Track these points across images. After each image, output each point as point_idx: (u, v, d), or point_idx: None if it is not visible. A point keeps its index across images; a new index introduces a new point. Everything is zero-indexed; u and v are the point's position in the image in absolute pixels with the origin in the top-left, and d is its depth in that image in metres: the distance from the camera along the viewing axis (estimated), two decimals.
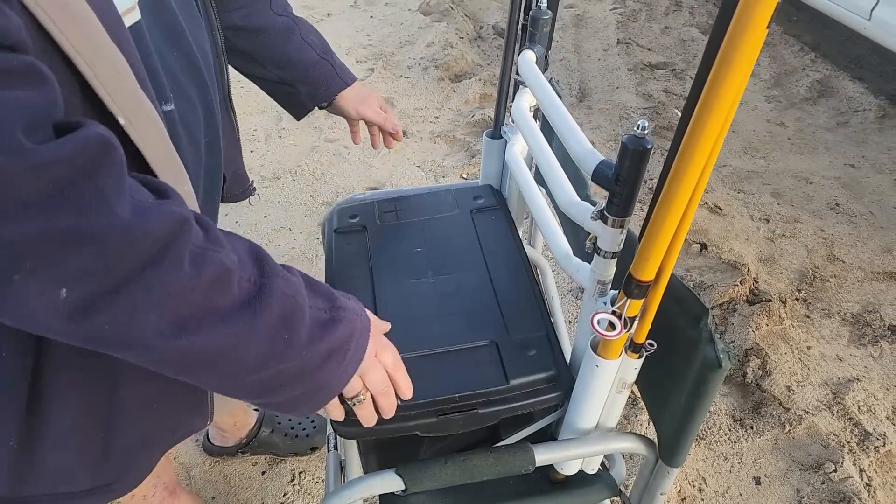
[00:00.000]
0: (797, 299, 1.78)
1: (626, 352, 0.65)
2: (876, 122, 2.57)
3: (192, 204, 0.54)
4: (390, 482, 0.70)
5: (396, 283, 0.86)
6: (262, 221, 2.04)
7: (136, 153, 0.47)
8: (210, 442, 1.39)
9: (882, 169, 2.32)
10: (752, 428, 1.47)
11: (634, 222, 0.60)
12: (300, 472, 1.38)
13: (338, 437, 0.91)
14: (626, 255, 0.62)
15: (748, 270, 1.81)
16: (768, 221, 2.07)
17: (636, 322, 0.61)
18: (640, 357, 0.65)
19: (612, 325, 0.60)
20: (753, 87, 2.85)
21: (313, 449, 1.39)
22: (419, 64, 2.95)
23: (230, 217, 2.04)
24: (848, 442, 1.42)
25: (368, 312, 0.61)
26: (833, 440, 1.42)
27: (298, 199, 2.17)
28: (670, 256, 0.55)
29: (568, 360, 0.78)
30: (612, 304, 0.61)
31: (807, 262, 1.90)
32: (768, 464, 1.40)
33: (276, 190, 2.20)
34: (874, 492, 1.33)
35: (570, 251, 0.78)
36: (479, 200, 1.01)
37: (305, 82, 0.91)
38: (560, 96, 0.89)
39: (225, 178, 0.79)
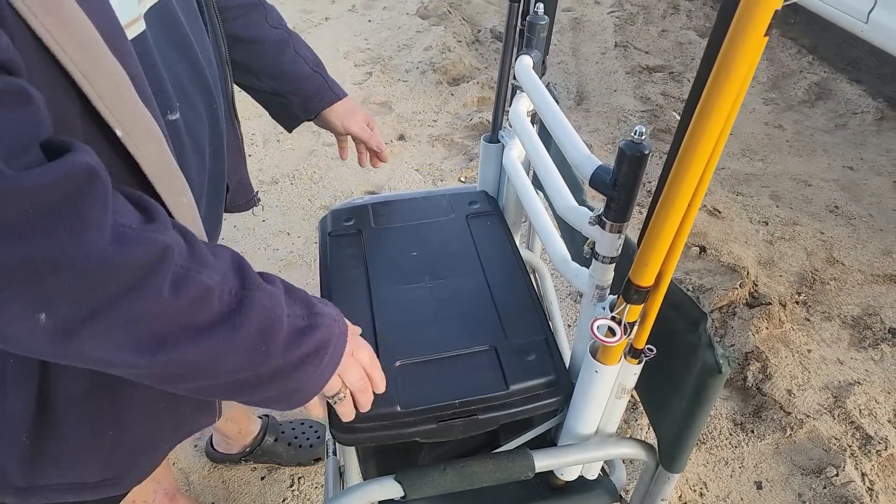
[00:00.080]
0: (797, 302, 1.78)
1: (625, 357, 0.64)
2: (874, 125, 2.58)
3: (192, 215, 0.55)
4: (389, 489, 0.70)
5: (393, 287, 0.85)
6: (261, 226, 2.04)
7: (134, 165, 0.47)
8: (214, 448, 1.39)
9: (881, 171, 2.32)
10: (752, 432, 1.46)
11: (634, 226, 0.60)
12: (299, 478, 1.38)
13: (337, 443, 0.91)
14: (625, 259, 0.62)
15: (748, 273, 1.81)
16: (767, 224, 2.07)
17: (635, 327, 0.61)
18: (639, 362, 0.65)
19: (611, 331, 0.60)
20: (751, 89, 2.85)
21: (317, 460, 1.39)
22: (417, 68, 2.96)
23: (229, 221, 2.04)
24: (850, 446, 1.42)
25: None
26: (834, 444, 1.42)
27: (297, 204, 2.17)
28: (670, 262, 0.55)
29: (567, 365, 0.78)
30: (611, 310, 0.61)
31: (806, 264, 1.90)
32: (769, 468, 1.40)
33: (275, 194, 2.20)
34: (876, 496, 1.33)
35: (568, 256, 0.77)
36: (474, 206, 1.01)
37: (298, 94, 0.92)
38: (558, 100, 0.89)
39: (228, 188, 0.79)
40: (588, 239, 0.65)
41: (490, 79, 2.82)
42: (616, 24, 3.43)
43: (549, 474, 0.82)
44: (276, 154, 2.40)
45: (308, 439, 1.39)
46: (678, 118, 0.49)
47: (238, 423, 1.31)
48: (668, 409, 0.71)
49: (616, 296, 0.61)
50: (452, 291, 0.85)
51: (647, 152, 0.54)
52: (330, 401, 0.63)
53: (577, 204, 0.70)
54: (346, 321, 0.63)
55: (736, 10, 0.36)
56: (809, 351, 1.64)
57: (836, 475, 1.35)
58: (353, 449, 0.87)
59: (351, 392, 0.64)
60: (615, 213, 0.59)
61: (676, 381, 0.67)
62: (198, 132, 0.63)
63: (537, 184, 0.96)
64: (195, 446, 1.44)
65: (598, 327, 0.60)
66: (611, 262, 0.64)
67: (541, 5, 0.86)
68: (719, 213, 2.10)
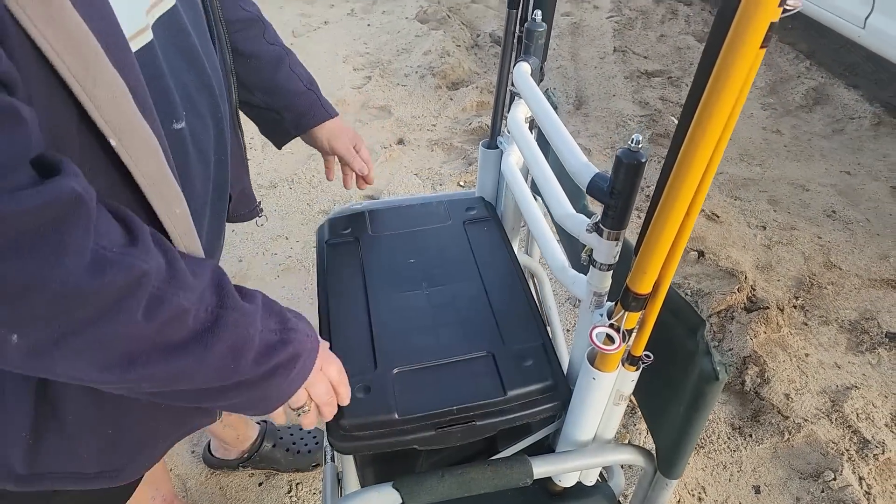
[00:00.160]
0: (795, 307, 1.78)
1: (623, 364, 0.65)
2: (871, 130, 2.58)
3: (185, 225, 0.55)
4: (387, 496, 0.70)
5: (390, 294, 0.85)
6: (259, 230, 2.04)
7: (128, 174, 0.48)
8: (211, 454, 1.38)
9: (878, 176, 2.33)
10: (751, 436, 1.46)
11: (632, 230, 0.60)
12: (297, 484, 1.37)
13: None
14: (623, 265, 0.62)
15: (746, 278, 1.81)
16: (765, 228, 2.07)
17: (633, 334, 0.61)
18: (637, 369, 0.65)
19: (610, 339, 0.60)
20: (749, 94, 2.85)
21: (315, 466, 1.38)
22: (416, 72, 2.96)
23: (227, 226, 2.03)
24: (847, 450, 1.42)
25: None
26: (832, 448, 1.42)
27: (295, 208, 2.17)
28: (668, 269, 0.55)
29: (565, 371, 0.78)
30: (609, 317, 0.61)
31: (804, 269, 1.90)
32: (768, 472, 1.40)
33: (273, 198, 2.20)
34: (874, 500, 1.33)
35: (566, 263, 0.77)
36: (471, 211, 1.01)
37: (291, 110, 0.93)
38: (556, 106, 0.89)
39: (231, 197, 0.79)
40: (586, 246, 0.65)
41: (489, 83, 2.82)
42: (615, 29, 3.45)
43: (548, 480, 0.82)
44: (274, 158, 2.40)
45: (306, 445, 1.39)
46: (676, 123, 0.49)
47: (236, 428, 1.31)
48: (666, 414, 0.71)
49: (614, 302, 0.61)
50: (450, 298, 0.85)
51: (643, 160, 0.54)
52: (294, 412, 0.64)
53: (574, 211, 0.71)
54: (318, 336, 0.64)
55: (732, 23, 0.37)
56: (807, 355, 1.64)
57: (834, 479, 1.35)
58: (350, 455, 0.87)
59: (316, 404, 0.65)
60: (613, 221, 0.59)
61: (675, 388, 0.67)
62: (203, 141, 0.63)
63: (536, 190, 0.96)
64: (192, 452, 1.43)
65: (596, 335, 0.60)
66: (608, 269, 0.64)
67: (539, 12, 0.86)
68: (717, 217, 2.10)
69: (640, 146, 0.53)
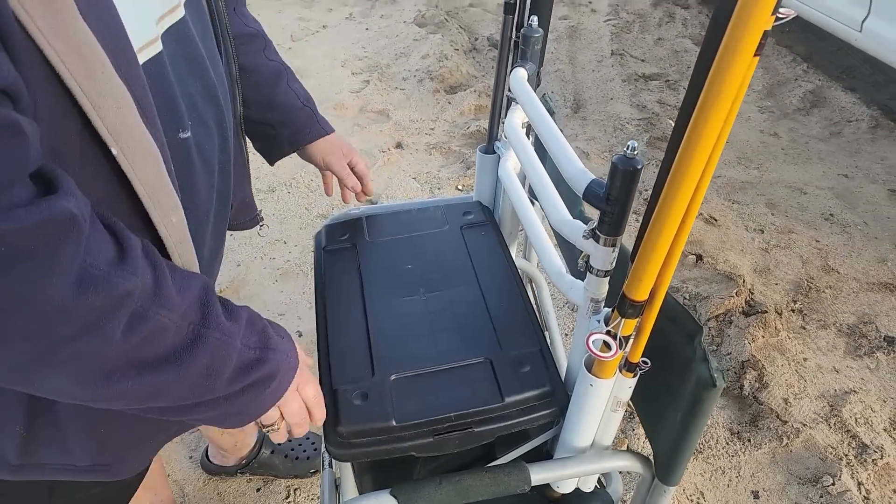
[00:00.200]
0: (793, 310, 1.78)
1: (620, 371, 0.64)
2: (868, 132, 2.59)
3: (180, 234, 0.55)
4: (385, 503, 0.69)
5: (388, 300, 0.85)
6: (257, 235, 2.04)
7: (127, 182, 0.48)
8: (209, 461, 1.38)
9: (875, 179, 2.33)
10: (749, 441, 1.46)
11: (630, 234, 0.60)
12: (295, 489, 1.37)
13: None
14: (620, 272, 0.62)
15: (744, 282, 1.81)
16: (763, 232, 2.07)
17: (630, 341, 0.61)
18: (634, 376, 0.65)
19: (607, 346, 0.60)
20: (747, 97, 2.87)
21: (314, 472, 1.38)
22: (414, 76, 2.97)
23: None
24: (846, 455, 1.42)
25: (298, 348, 0.65)
26: (831, 453, 1.42)
27: (293, 212, 2.17)
28: (664, 276, 0.55)
29: (563, 376, 0.78)
30: (607, 323, 0.61)
31: (802, 272, 1.91)
32: (766, 477, 1.40)
33: (272, 202, 2.20)
34: None
35: (564, 268, 0.77)
36: (468, 216, 1.01)
37: (287, 126, 0.93)
38: (553, 111, 0.89)
39: (231, 206, 0.80)
40: (583, 252, 0.65)
41: (487, 87, 2.83)
42: (612, 33, 3.45)
43: (546, 487, 0.82)
44: None
45: (305, 451, 1.39)
46: (673, 128, 0.49)
47: (234, 435, 1.31)
48: (663, 421, 0.71)
49: (611, 308, 0.61)
50: (447, 303, 0.85)
51: (639, 167, 0.54)
52: (264, 430, 0.65)
53: (571, 217, 0.71)
54: (300, 356, 0.64)
55: (725, 31, 0.37)
56: (805, 359, 1.64)
57: (833, 484, 1.35)
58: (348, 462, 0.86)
59: (287, 424, 0.65)
60: (609, 227, 0.59)
61: (672, 394, 0.67)
62: (208, 150, 0.64)
63: (533, 195, 0.96)
64: (190, 458, 1.43)
65: (592, 342, 0.60)
66: (605, 276, 0.64)
67: (535, 17, 0.86)
68: (715, 220, 2.11)
69: (635, 153, 0.53)
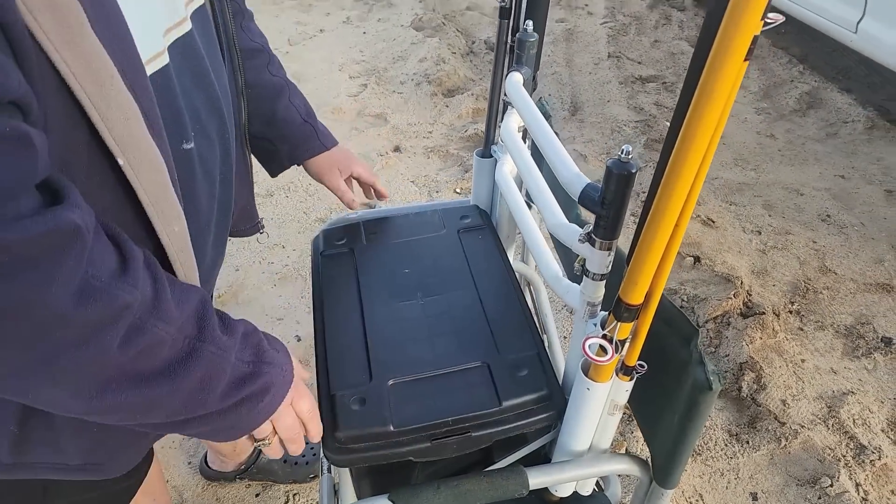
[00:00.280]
0: (790, 312, 1.78)
1: (617, 374, 0.65)
2: (865, 133, 2.60)
3: (182, 243, 0.56)
4: None
5: (385, 305, 0.85)
6: (255, 239, 2.04)
7: (132, 191, 0.49)
8: (208, 466, 1.37)
9: (872, 180, 2.34)
10: (747, 443, 1.46)
11: (626, 237, 0.60)
12: (294, 495, 1.37)
13: None
14: (617, 275, 0.62)
15: (741, 283, 1.82)
16: (760, 233, 2.08)
17: (627, 345, 0.61)
18: (631, 379, 0.65)
19: (603, 349, 0.60)
20: (743, 99, 2.88)
21: (313, 477, 1.38)
22: (412, 79, 2.97)
23: None
24: (844, 456, 1.42)
25: (294, 362, 0.65)
26: (829, 454, 1.42)
27: (292, 216, 2.17)
28: (659, 280, 0.55)
29: (561, 380, 0.78)
30: (603, 327, 0.61)
31: (799, 274, 1.91)
32: (765, 479, 1.40)
33: (270, 207, 2.20)
34: None
35: (560, 272, 0.77)
36: (465, 220, 1.01)
37: (286, 141, 0.93)
38: (550, 114, 0.89)
39: (232, 214, 0.81)
40: (579, 256, 0.65)
41: (484, 90, 2.83)
42: (609, 35, 3.46)
43: (544, 491, 0.82)
44: None
45: (304, 456, 1.38)
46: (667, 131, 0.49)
47: (233, 441, 1.31)
48: (661, 423, 0.71)
49: (608, 312, 0.61)
50: (445, 308, 0.85)
51: (633, 171, 0.54)
52: (257, 444, 0.65)
53: (567, 221, 0.71)
54: (295, 370, 0.64)
55: (716, 37, 0.37)
56: (803, 361, 1.64)
57: (831, 485, 1.35)
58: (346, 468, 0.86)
59: (280, 438, 0.65)
60: (604, 231, 0.59)
61: (669, 397, 0.67)
62: (209, 161, 0.64)
63: (530, 199, 0.96)
64: (189, 463, 1.43)
65: (589, 346, 0.60)
66: (601, 279, 0.64)
67: (530, 21, 0.86)
68: (713, 222, 2.11)
69: (630, 157, 0.54)
